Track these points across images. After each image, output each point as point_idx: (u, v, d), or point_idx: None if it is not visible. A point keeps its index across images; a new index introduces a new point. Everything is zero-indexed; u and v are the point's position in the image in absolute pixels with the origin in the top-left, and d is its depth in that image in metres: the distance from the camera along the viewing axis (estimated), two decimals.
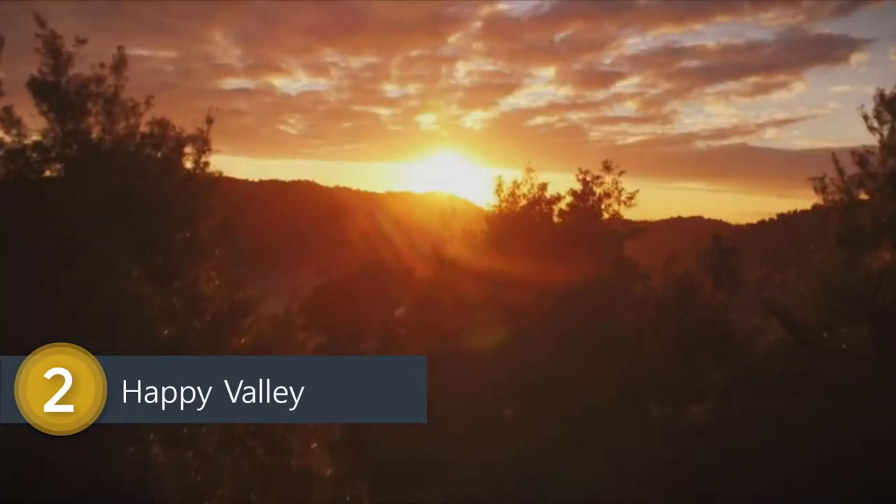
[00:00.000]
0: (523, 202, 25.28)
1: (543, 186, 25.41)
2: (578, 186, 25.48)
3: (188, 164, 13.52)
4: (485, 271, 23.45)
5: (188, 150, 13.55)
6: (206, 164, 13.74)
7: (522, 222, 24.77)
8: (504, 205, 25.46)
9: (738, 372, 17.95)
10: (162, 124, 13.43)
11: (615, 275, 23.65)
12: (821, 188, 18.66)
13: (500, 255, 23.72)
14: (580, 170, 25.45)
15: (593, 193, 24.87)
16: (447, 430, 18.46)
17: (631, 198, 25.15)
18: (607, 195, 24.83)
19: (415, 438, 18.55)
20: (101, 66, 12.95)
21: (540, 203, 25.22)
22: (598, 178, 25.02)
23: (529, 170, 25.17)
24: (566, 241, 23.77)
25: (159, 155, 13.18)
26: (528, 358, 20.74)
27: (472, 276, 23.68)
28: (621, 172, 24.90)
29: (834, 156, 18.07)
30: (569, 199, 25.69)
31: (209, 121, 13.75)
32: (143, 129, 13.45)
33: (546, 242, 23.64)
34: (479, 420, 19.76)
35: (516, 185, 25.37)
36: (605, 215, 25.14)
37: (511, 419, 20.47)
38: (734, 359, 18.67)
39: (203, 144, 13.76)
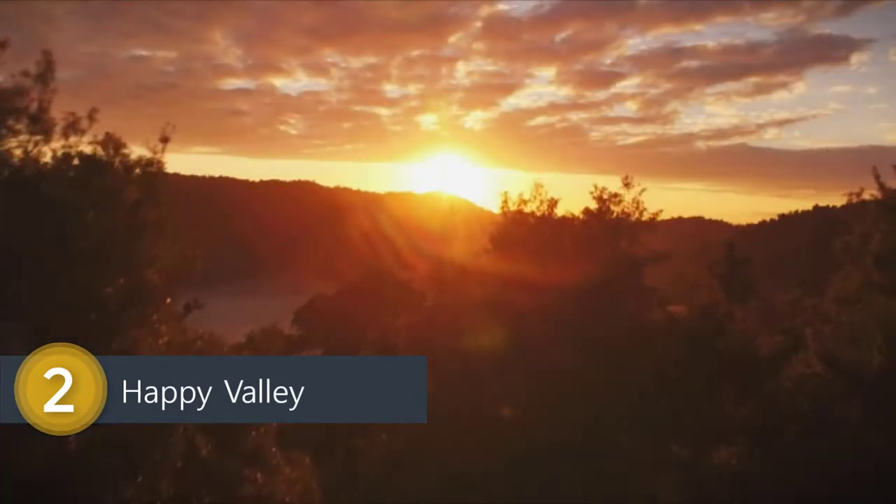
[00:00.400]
0: (531, 220, 22.51)
1: (553, 203, 22.44)
2: (594, 203, 22.33)
3: (136, 193, 11.01)
4: (488, 294, 21.18)
5: (137, 174, 11.10)
6: (158, 192, 11.19)
7: (530, 243, 21.92)
8: (510, 223, 22.71)
9: (766, 406, 16.21)
10: (108, 143, 10.92)
11: (634, 304, 21.03)
12: (857, 199, 16.41)
13: (505, 279, 21.15)
14: (595, 186, 22.16)
15: (611, 213, 21.91)
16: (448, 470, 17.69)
17: (654, 218, 22.16)
18: (626, 215, 21.89)
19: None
20: (25, 74, 10.68)
21: (550, 222, 22.35)
22: (616, 196, 22.01)
23: (538, 184, 22.50)
24: (579, 266, 20.99)
25: (98, 183, 10.71)
26: (537, 387, 19.00)
27: (474, 299, 21.42)
28: (643, 190, 21.96)
29: (875, 170, 15.90)
30: (582, 216, 22.63)
31: (164, 139, 11.26)
32: (84, 150, 10.87)
33: (556, 267, 21.03)
34: (483, 451, 18.59)
35: (523, 200, 22.55)
36: (624, 239, 21.97)
37: (513, 432, 19.44)
38: (761, 390, 16.81)
39: (157, 167, 11.11)
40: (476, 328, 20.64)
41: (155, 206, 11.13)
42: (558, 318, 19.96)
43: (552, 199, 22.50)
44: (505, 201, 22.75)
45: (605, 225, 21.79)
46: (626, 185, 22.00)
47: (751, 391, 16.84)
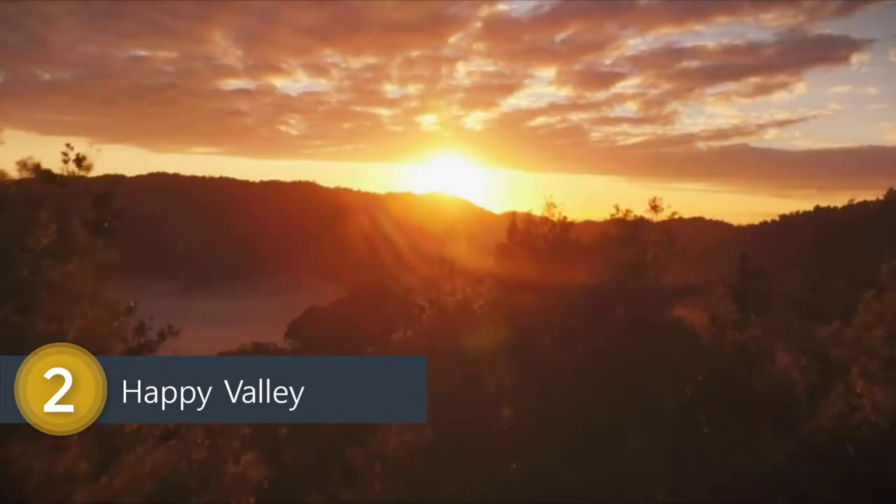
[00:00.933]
0: (542, 244, 19.72)
1: (567, 226, 19.72)
2: (612, 221, 19.80)
3: (44, 240, 8.33)
4: (493, 328, 18.68)
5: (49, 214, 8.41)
6: (73, 236, 8.57)
7: (541, 272, 19.14)
8: (517, 246, 20.02)
9: (804, 450, 14.41)
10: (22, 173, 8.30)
11: (662, 343, 18.23)
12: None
13: (513, 309, 18.83)
14: (617, 207, 19.48)
15: (637, 241, 19.17)
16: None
17: (686, 248, 19.64)
18: (654, 244, 19.09)
19: None
20: None
21: (564, 249, 19.57)
22: (642, 219, 19.45)
23: (550, 204, 19.71)
24: (600, 301, 18.51)
25: None
26: (549, 424, 17.15)
27: (477, 332, 18.91)
28: (674, 214, 19.50)
29: None
30: (602, 242, 20.00)
31: (79, 159, 8.89)
32: None
33: (573, 301, 18.47)
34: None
35: (533, 222, 19.91)
36: (652, 270, 19.18)
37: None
38: (798, 431, 15.05)
39: (76, 202, 8.58)
40: (480, 370, 18.33)
41: (66, 258, 8.25)
42: (573, 355, 17.84)
43: (566, 220, 19.85)
44: (513, 222, 20.13)
45: (631, 255, 19.18)
46: (655, 208, 19.46)
47: (787, 432, 15.30)
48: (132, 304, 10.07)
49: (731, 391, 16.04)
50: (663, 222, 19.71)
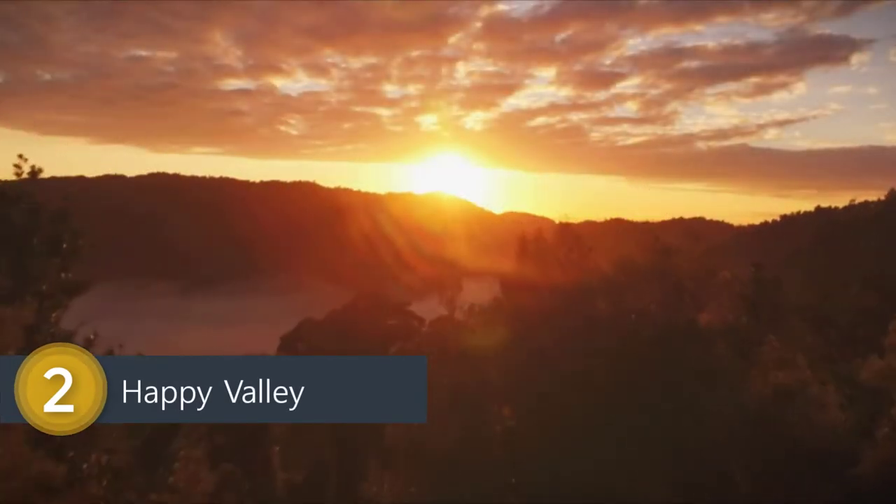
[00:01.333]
0: (556, 269, 17.36)
1: (586, 251, 17.36)
2: (643, 249, 17.51)
3: None
4: (501, 362, 16.76)
5: None
6: None
7: (557, 302, 16.67)
8: (529, 268, 17.72)
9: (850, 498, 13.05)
10: None
11: (700, 388, 15.53)
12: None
13: (523, 339, 16.73)
14: (655, 239, 17.44)
15: (671, 275, 16.68)
16: None
17: (729, 282, 17.09)
18: (692, 279, 16.72)
19: None
20: None
21: (580, 269, 17.08)
22: (676, 248, 17.11)
23: (565, 223, 17.70)
24: (624, 340, 16.16)
25: None
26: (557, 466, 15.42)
27: (484, 371, 16.94)
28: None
29: None
30: (630, 271, 17.50)
31: (35, 171, 8.18)
32: None
33: (591, 337, 16.30)
34: None
35: (547, 244, 17.80)
36: (688, 307, 16.68)
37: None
38: (840, 477, 13.45)
39: None
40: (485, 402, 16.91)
41: None
42: (587, 397, 15.96)
43: (583, 243, 17.60)
44: (523, 244, 17.97)
45: (663, 288, 16.96)
46: (695, 237, 17.37)
47: (830, 480, 13.72)
48: (92, 337, 9.39)
49: (773, 441, 14.35)
50: (700, 250, 17.13)
